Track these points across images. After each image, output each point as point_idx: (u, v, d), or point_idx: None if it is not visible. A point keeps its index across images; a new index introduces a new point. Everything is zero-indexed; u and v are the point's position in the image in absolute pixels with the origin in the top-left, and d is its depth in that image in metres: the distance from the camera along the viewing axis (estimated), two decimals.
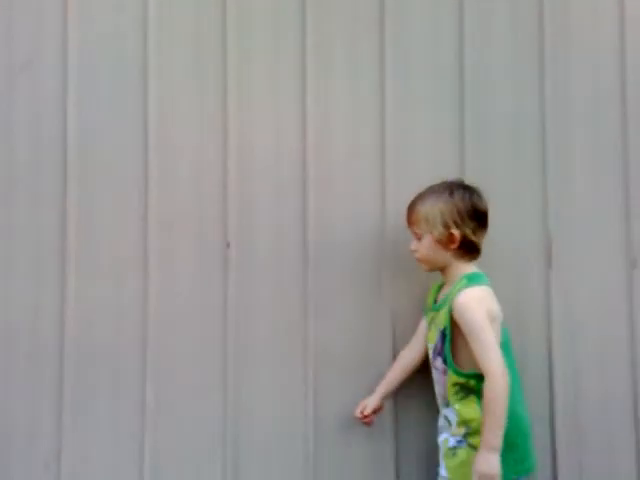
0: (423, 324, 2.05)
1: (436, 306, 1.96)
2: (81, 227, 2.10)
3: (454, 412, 1.90)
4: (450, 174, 2.14)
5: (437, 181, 2.08)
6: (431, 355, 1.96)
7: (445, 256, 1.94)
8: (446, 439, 1.91)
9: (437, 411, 2.00)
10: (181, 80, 2.15)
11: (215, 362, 2.11)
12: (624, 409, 2.14)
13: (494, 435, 1.74)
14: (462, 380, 1.88)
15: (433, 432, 2.01)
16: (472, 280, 1.90)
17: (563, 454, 2.13)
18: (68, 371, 2.08)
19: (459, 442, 1.88)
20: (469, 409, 1.87)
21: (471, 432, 1.86)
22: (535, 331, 2.14)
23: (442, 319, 1.90)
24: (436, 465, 1.96)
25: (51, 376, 2.08)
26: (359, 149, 2.17)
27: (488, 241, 2.12)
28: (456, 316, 1.84)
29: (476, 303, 1.83)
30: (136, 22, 2.14)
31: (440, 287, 2.03)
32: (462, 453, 1.87)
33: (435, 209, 1.93)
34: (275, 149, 2.15)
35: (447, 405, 1.93)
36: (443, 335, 1.89)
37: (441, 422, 1.96)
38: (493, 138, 2.18)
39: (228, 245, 2.12)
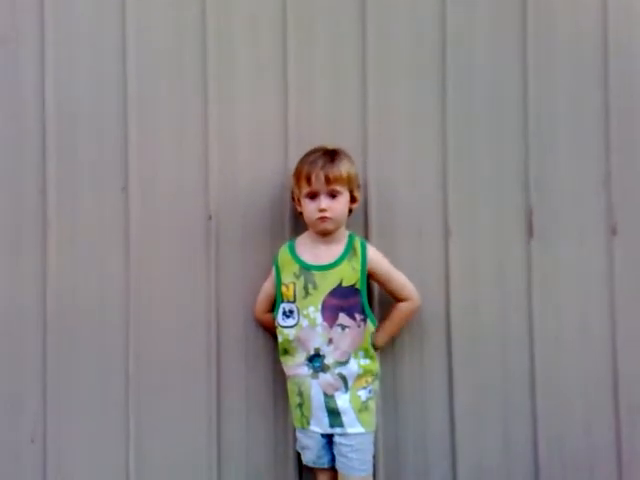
0: (269, 288, 2.05)
1: (325, 265, 1.97)
2: (61, 200, 2.11)
3: (357, 366, 1.95)
4: (432, 144, 2.17)
5: (423, 151, 2.15)
6: (319, 315, 1.94)
7: (346, 216, 2.01)
8: (356, 394, 1.94)
9: None
10: (160, 53, 2.14)
11: (199, 333, 2.12)
12: (604, 373, 2.15)
13: (389, 339, 2.06)
14: (373, 329, 1.99)
15: None
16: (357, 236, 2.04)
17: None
18: (51, 344, 2.09)
19: (370, 392, 1.98)
20: (375, 360, 2.00)
21: (375, 380, 2.00)
22: (516, 299, 2.15)
23: (348, 276, 1.95)
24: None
25: (35, 350, 2.09)
26: (341, 124, 2.16)
27: (470, 210, 2.14)
28: (375, 266, 1.99)
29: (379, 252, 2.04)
30: None
31: (292, 250, 2.02)
32: (371, 403, 1.98)
33: (353, 169, 2.01)
34: (256, 120, 2.15)
35: (345, 362, 1.94)
36: (354, 290, 1.95)
37: (331, 381, 1.94)
38: (474, 107, 2.18)
39: (210, 217, 2.12)
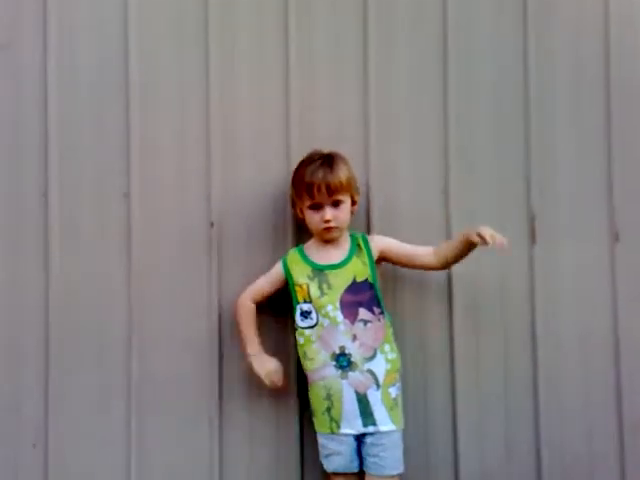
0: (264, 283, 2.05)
1: (337, 264, 1.99)
2: (63, 205, 2.10)
3: (385, 361, 1.96)
4: (434, 149, 2.17)
5: (425, 155, 2.16)
6: (339, 312, 1.95)
7: (349, 220, 2.02)
8: (387, 392, 1.95)
9: None
10: (163, 60, 2.13)
11: (201, 339, 2.11)
12: (606, 379, 2.17)
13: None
14: (389, 321, 2.01)
15: None
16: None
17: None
18: (53, 348, 2.09)
19: (398, 389, 1.99)
20: (398, 355, 2.00)
21: (400, 376, 2.00)
22: (519, 305, 2.16)
23: (360, 271, 1.98)
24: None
25: (36, 354, 2.08)
26: (343, 128, 2.16)
27: (472, 217, 2.14)
28: (381, 246, 2.02)
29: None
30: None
31: (302, 253, 2.03)
32: (399, 398, 1.98)
33: (351, 174, 2.02)
34: (259, 126, 2.15)
35: (372, 357, 1.95)
36: (368, 285, 1.98)
37: (361, 379, 1.94)
38: (476, 111, 2.18)
39: (212, 224, 2.12)
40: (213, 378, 2.11)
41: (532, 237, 2.16)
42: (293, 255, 2.04)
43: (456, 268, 2.13)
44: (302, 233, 2.10)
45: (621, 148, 2.19)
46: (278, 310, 2.10)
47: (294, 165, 2.08)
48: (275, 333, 2.11)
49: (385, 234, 2.11)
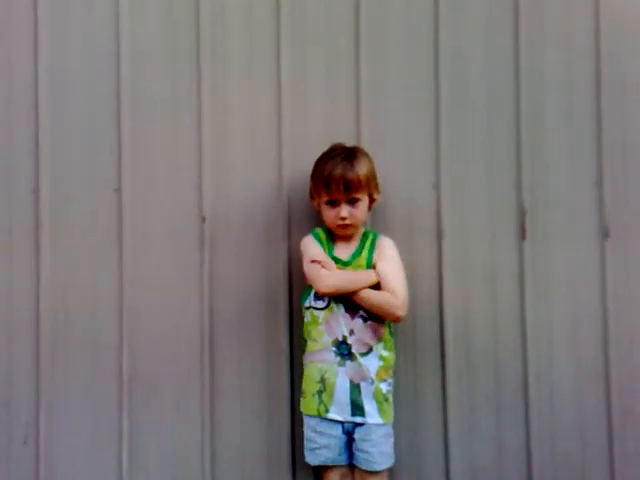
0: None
1: (346, 262, 1.99)
2: (54, 200, 2.11)
3: (378, 358, 1.96)
4: (425, 146, 2.17)
5: (416, 153, 2.16)
6: (341, 305, 1.96)
7: (365, 217, 2.03)
8: (378, 387, 1.95)
9: None
10: (154, 55, 2.15)
11: (192, 335, 2.12)
12: (595, 372, 2.16)
13: (356, 285, 1.94)
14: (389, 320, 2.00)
15: None
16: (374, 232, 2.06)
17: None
18: (44, 345, 2.09)
19: (389, 385, 1.99)
20: (393, 354, 2.00)
21: (392, 374, 2.00)
22: (509, 300, 2.16)
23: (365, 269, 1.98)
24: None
25: (27, 351, 2.09)
26: (335, 126, 2.16)
27: (462, 212, 2.15)
28: (380, 253, 1.99)
29: (394, 247, 2.03)
30: None
31: (326, 237, 2.03)
32: (390, 395, 1.99)
33: (372, 169, 2.01)
34: (250, 121, 2.15)
35: (366, 353, 1.95)
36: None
37: (357, 369, 1.94)
38: (468, 109, 2.19)
39: (204, 219, 2.12)
40: (204, 376, 2.11)
41: (522, 233, 2.17)
42: (321, 234, 2.04)
43: (446, 262, 2.14)
44: (295, 228, 2.11)
45: (611, 145, 2.19)
46: (271, 309, 2.12)
47: (286, 160, 2.10)
48: (266, 331, 2.13)
49: (376, 229, 2.11)
